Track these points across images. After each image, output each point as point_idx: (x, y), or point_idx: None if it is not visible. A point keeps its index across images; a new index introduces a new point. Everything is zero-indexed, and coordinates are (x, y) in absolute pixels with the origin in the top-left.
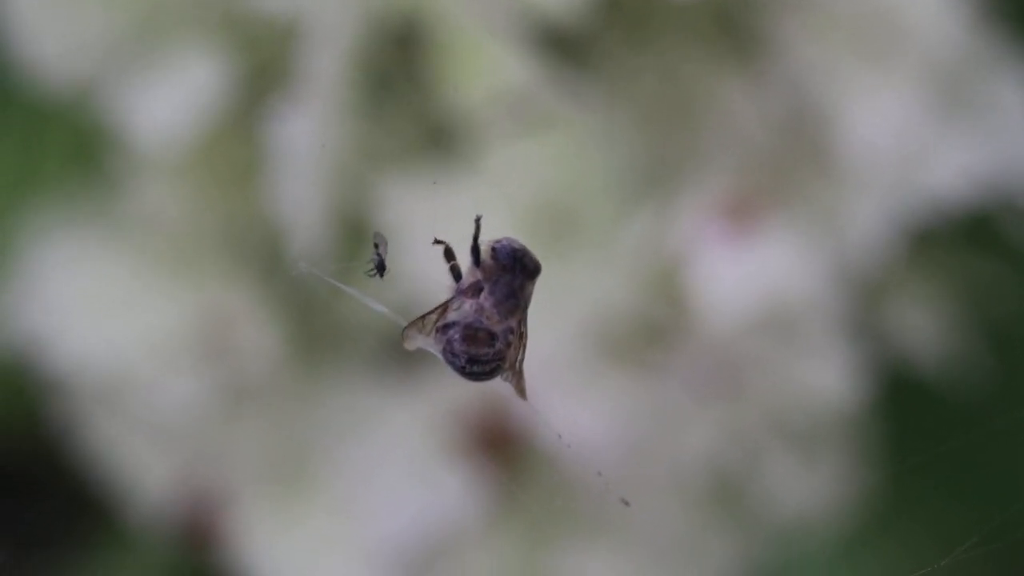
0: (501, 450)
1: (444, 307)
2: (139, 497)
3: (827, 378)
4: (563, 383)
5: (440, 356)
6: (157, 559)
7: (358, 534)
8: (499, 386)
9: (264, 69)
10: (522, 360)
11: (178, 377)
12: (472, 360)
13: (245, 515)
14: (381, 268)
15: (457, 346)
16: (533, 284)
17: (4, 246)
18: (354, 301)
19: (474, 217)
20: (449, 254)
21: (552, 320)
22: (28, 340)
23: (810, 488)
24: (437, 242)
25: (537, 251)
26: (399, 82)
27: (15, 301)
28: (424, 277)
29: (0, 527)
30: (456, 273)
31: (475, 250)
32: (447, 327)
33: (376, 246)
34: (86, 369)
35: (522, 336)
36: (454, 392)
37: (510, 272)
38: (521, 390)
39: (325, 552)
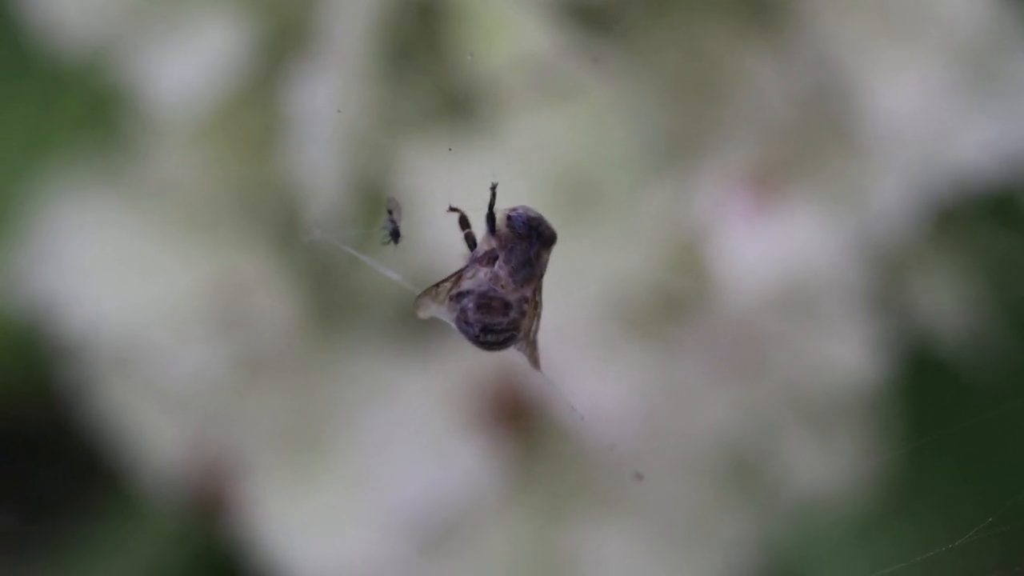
0: (516, 422)
1: (458, 275)
2: (150, 464)
3: (847, 355)
4: (580, 355)
5: (453, 325)
6: (167, 527)
7: (372, 505)
8: (514, 357)
9: (284, 34)
10: (536, 330)
11: (192, 344)
12: (486, 329)
13: (257, 484)
14: (395, 235)
15: (471, 315)
16: (549, 253)
17: (19, 210)
18: (370, 270)
19: (490, 185)
20: (464, 222)
21: (570, 292)
22: (42, 305)
23: (827, 466)
24: (452, 209)
25: (556, 222)
26: (420, 49)
27: (29, 265)
28: (442, 246)
29: (10, 492)
30: (471, 241)
31: (491, 218)
32: (461, 295)
33: (390, 212)
34: (99, 334)
35: (537, 306)
36: (469, 363)
37: (525, 240)
38: (535, 360)
39: (338, 522)
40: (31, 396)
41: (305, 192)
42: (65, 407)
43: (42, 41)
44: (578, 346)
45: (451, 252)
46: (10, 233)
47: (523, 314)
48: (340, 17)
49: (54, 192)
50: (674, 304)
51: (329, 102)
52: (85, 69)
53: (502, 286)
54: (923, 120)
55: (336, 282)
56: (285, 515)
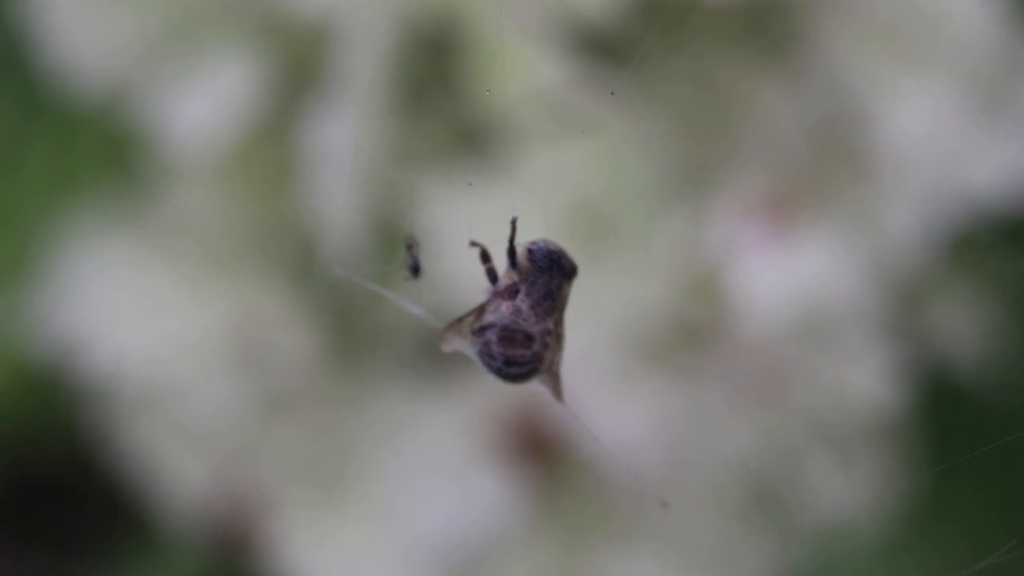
0: (538, 454)
1: (481, 309)
2: (175, 503)
3: (866, 380)
4: (601, 386)
5: (477, 358)
6: (193, 565)
7: (396, 539)
8: (537, 390)
9: (298, 72)
10: (559, 362)
11: (214, 382)
12: (509, 362)
13: (282, 521)
14: (416, 270)
15: (494, 348)
16: (570, 285)
17: (40, 252)
18: (390, 305)
19: (510, 219)
20: (485, 256)
21: (590, 323)
22: (64, 346)
23: (849, 491)
24: (473, 244)
25: (574, 254)
26: (435, 85)
27: (50, 307)
28: (461, 280)
29: (37, 534)
30: (492, 275)
31: (511, 251)
32: (484, 329)
33: (409, 247)
34: (122, 374)
35: (559, 338)
36: (491, 396)
37: (547, 273)
38: (558, 392)
39: (363, 557)
40: (56, 437)
41: (323, 229)
42: (89, 448)
43: (60, 84)
44: (599, 377)
45: (469, 286)
46: (31, 275)
47: (546, 346)
48: (354, 54)
49: (74, 234)
50: (693, 333)
51: (345, 139)
52: (102, 111)
53: (524, 319)
54: (936, 145)
55: (356, 317)
56: (310, 550)
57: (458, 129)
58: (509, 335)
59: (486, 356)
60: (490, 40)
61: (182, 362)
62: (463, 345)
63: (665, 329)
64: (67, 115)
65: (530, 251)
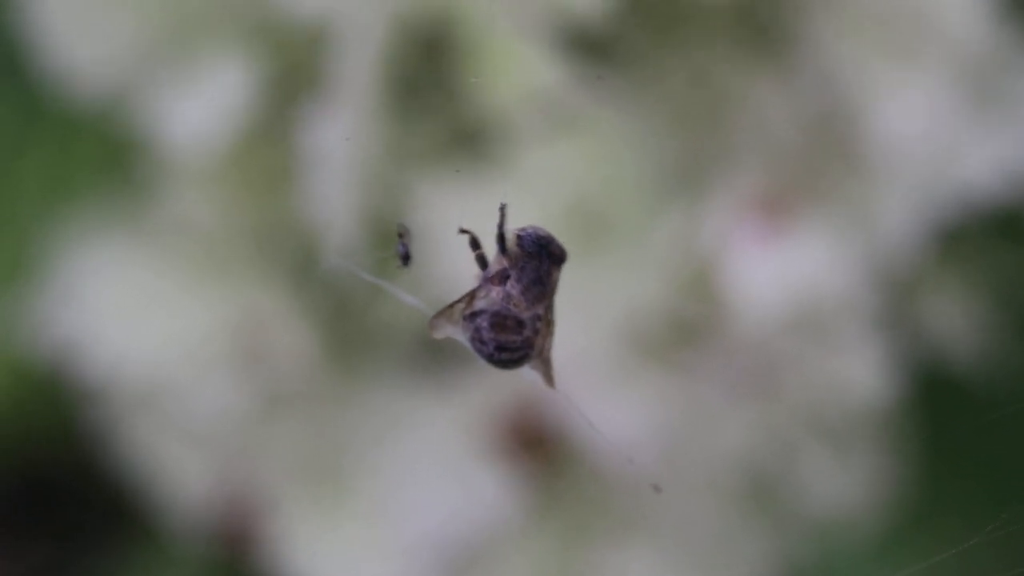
0: (536, 449)
1: (471, 295)
2: (176, 503)
3: (860, 374)
4: (597, 383)
5: (468, 344)
6: (194, 565)
7: (396, 535)
8: (533, 384)
9: (294, 73)
10: (550, 347)
11: (213, 381)
12: (500, 347)
13: (282, 519)
14: (406, 258)
15: (485, 334)
16: (559, 271)
17: (39, 255)
18: (388, 303)
19: (499, 209)
20: (475, 243)
21: (585, 320)
22: (64, 348)
23: (844, 484)
24: (463, 231)
25: (569, 251)
26: (429, 85)
27: (50, 309)
28: (457, 278)
29: (38, 534)
30: (483, 261)
31: (501, 238)
32: (475, 315)
33: (400, 236)
34: (122, 376)
35: (550, 324)
36: (489, 392)
37: (536, 259)
38: (549, 378)
39: (363, 553)
40: (56, 438)
41: (320, 228)
42: (90, 448)
43: (57, 88)
44: (595, 374)
45: (464, 282)
46: (31, 278)
47: (536, 332)
48: (349, 55)
49: (73, 236)
50: (688, 329)
51: (341, 139)
52: (100, 114)
53: (515, 304)
54: (928, 140)
55: (353, 315)
56: (310, 548)
57: (452, 128)
58: (500, 321)
59: (477, 342)
60: (484, 40)
61: (182, 362)
62: (455, 331)
63: (661, 325)
64: (66, 118)
65: (520, 237)
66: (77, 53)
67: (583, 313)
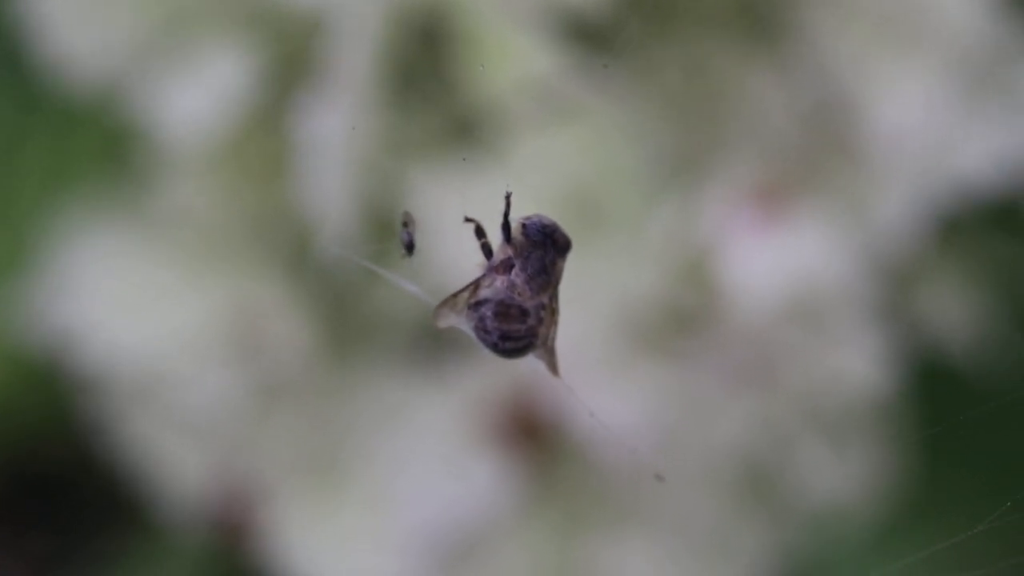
0: (532, 439)
1: (476, 284)
2: (173, 494)
3: (857, 365)
4: (594, 373)
5: (472, 334)
6: (191, 555)
7: (392, 526)
8: (529, 374)
9: (291, 63)
10: (554, 336)
11: (210, 372)
12: (504, 336)
13: (278, 510)
14: (410, 247)
15: (489, 323)
16: (564, 260)
17: (36, 244)
18: (385, 293)
19: (504, 194)
20: (480, 232)
21: (582, 309)
22: (61, 338)
23: (842, 475)
24: (468, 220)
25: None
26: (426, 74)
27: (47, 299)
28: (453, 268)
29: (35, 526)
30: (487, 250)
31: (506, 227)
32: (479, 304)
33: (405, 224)
34: (118, 366)
35: (554, 312)
36: (485, 382)
37: (541, 248)
38: (553, 367)
39: (359, 544)
40: (53, 430)
41: (317, 218)
42: (87, 439)
43: (54, 78)
44: (592, 364)
45: (463, 273)
46: (28, 268)
47: (540, 321)
48: (346, 44)
49: (70, 227)
50: (685, 319)
51: (338, 128)
52: (97, 104)
53: (519, 293)
54: (926, 131)
55: (350, 306)
56: (307, 539)
57: (451, 118)
58: (504, 310)
59: (482, 331)
60: (481, 29)
61: (179, 353)
62: (459, 321)
63: (657, 315)
64: (63, 108)
65: (524, 226)
66: (74, 42)
67: (579, 302)
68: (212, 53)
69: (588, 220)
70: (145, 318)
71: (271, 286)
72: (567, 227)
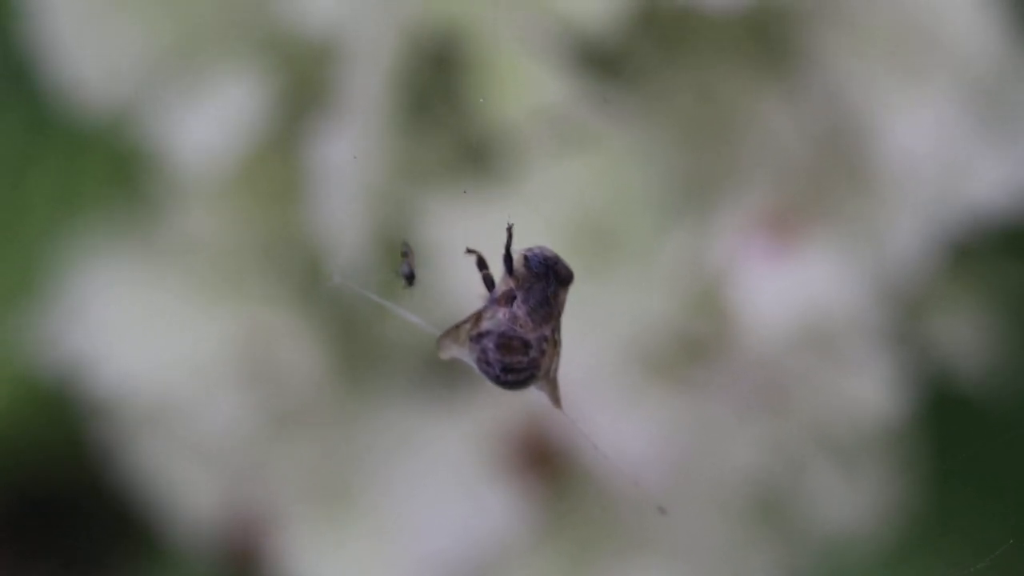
0: (544, 466)
1: (478, 316)
2: (184, 520)
3: (869, 391)
4: (606, 400)
5: (474, 365)
6: None
7: (403, 552)
8: (541, 403)
9: (302, 89)
10: (557, 368)
11: (221, 398)
12: (506, 369)
13: (290, 536)
14: (410, 278)
15: (491, 355)
16: (566, 292)
17: (46, 270)
18: (396, 321)
19: (506, 229)
20: (482, 263)
21: (593, 337)
22: (71, 364)
23: (853, 501)
24: (469, 251)
25: (577, 268)
26: (438, 101)
27: (58, 325)
28: (462, 294)
29: (47, 553)
30: (489, 282)
31: (508, 258)
32: (481, 336)
33: (404, 255)
34: (130, 392)
35: (556, 344)
36: (497, 410)
37: (543, 280)
38: (556, 399)
39: (371, 571)
40: (64, 455)
41: (327, 244)
42: (98, 465)
43: (65, 103)
44: (603, 391)
45: (472, 299)
46: (38, 294)
47: (543, 353)
48: (357, 70)
49: (81, 252)
50: (696, 346)
51: (349, 155)
52: (108, 129)
53: (521, 325)
54: (937, 157)
55: (361, 332)
56: (318, 565)
57: (461, 145)
58: (506, 342)
59: (483, 363)
60: (493, 56)
61: (189, 379)
62: (461, 352)
63: (669, 342)
64: (74, 132)
65: (526, 258)
66: (85, 66)
67: (591, 330)
68: (224, 78)
69: (599, 248)
70: (156, 344)
71: (282, 312)
72: (578, 254)
